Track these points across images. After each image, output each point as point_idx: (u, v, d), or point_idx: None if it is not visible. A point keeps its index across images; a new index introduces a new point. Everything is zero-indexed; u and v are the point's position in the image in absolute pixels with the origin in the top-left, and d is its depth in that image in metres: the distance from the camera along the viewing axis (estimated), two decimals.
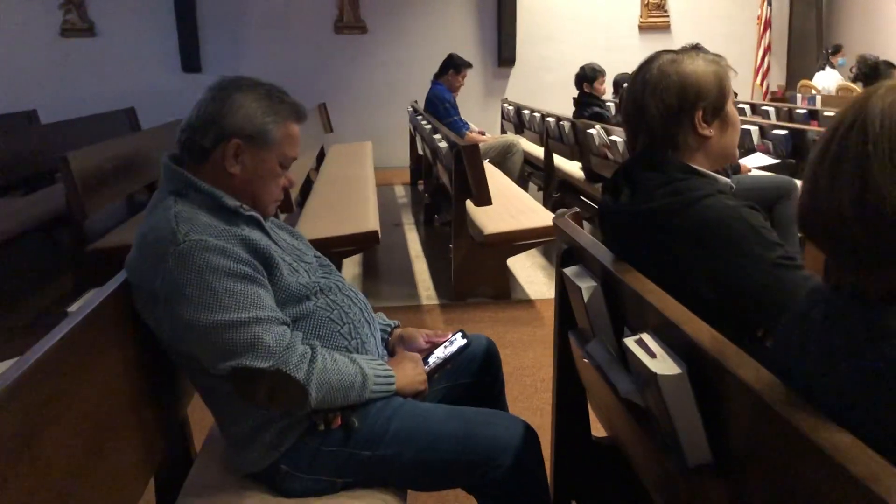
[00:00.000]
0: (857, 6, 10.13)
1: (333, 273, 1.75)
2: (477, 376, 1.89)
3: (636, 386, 1.33)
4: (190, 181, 1.54)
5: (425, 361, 1.76)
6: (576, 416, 1.92)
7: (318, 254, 1.81)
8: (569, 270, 1.67)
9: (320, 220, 4.27)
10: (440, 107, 6.77)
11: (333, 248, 3.90)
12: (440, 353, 1.79)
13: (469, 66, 7.10)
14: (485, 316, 3.96)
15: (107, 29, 9.49)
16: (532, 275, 4.65)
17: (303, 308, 1.57)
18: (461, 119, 6.95)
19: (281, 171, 1.62)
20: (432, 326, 3.86)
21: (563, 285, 1.80)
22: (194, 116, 1.57)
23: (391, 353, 1.84)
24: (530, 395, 3.03)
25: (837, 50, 8.90)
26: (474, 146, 4.00)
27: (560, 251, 1.85)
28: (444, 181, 4.89)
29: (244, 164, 1.57)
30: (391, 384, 1.59)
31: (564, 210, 1.98)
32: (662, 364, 1.16)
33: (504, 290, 4.22)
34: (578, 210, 2.02)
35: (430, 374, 1.73)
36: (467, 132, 6.85)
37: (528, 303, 4.17)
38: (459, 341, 1.82)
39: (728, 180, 1.59)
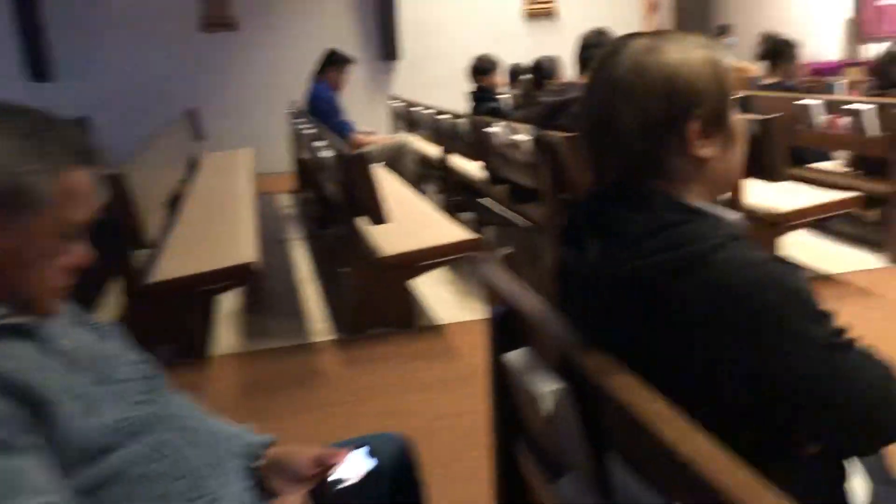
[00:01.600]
0: None
1: (162, 392, 1.16)
2: (387, 500, 1.35)
3: None
4: None
5: (314, 499, 1.20)
6: None
7: (144, 357, 1.21)
8: (513, 358, 1.15)
9: (186, 253, 3.61)
10: (322, 108, 6.16)
11: (203, 286, 3.28)
12: (335, 484, 1.24)
13: (352, 61, 6.52)
14: (389, 352, 3.41)
15: None
16: (438, 294, 4.12)
17: (107, 466, 0.97)
18: (346, 120, 6.35)
19: (61, 247, 1.02)
20: (328, 370, 3.28)
21: (500, 374, 1.27)
22: None
23: (266, 488, 1.26)
24: (459, 453, 2.51)
25: (725, 30, 8.79)
26: (362, 157, 3.44)
27: (494, 318, 1.33)
28: (331, 193, 4.30)
29: None
30: None
31: (489, 250, 1.46)
32: None
33: (408, 318, 3.68)
34: (512, 250, 1.51)
35: None
36: (353, 134, 6.27)
37: (436, 330, 3.65)
38: (362, 462, 1.26)
39: (738, 215, 1.10)
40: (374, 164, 5.43)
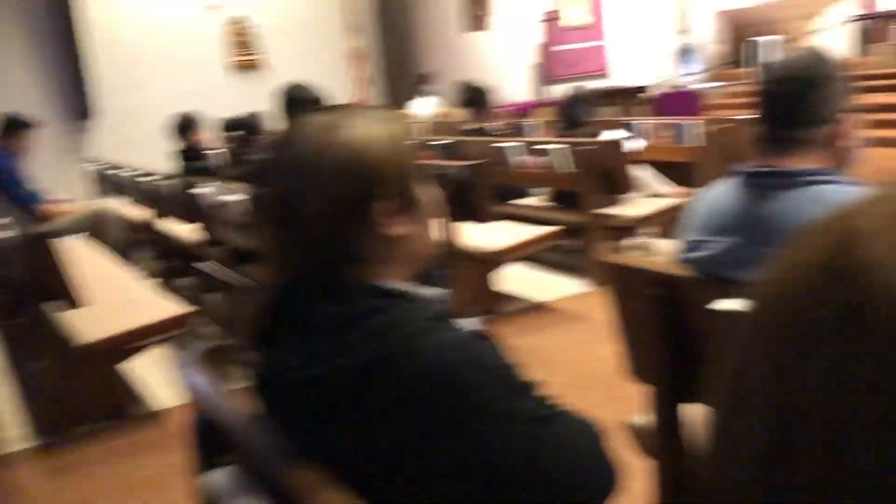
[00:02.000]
0: (437, 38, 10.72)
1: None
2: None
3: None
4: None
5: None
6: None
7: None
8: (216, 480, 1.00)
9: None
10: (2, 178, 5.44)
11: None
12: None
13: (35, 124, 5.85)
14: (99, 452, 3.00)
15: None
16: (151, 374, 3.72)
17: None
18: (31, 189, 5.67)
19: None
20: (26, 486, 2.83)
21: (206, 499, 1.11)
22: None
23: None
24: None
25: (426, 79, 9.22)
26: (45, 234, 3.03)
27: (195, 431, 1.16)
28: (16, 276, 3.77)
29: None
30: None
31: (210, 320, 1.29)
32: None
33: (119, 409, 3.30)
34: (221, 344, 1.35)
35: None
36: (42, 205, 5.60)
37: (154, 417, 3.30)
38: None
39: (438, 290, 1.05)
40: (72, 236, 4.91)
